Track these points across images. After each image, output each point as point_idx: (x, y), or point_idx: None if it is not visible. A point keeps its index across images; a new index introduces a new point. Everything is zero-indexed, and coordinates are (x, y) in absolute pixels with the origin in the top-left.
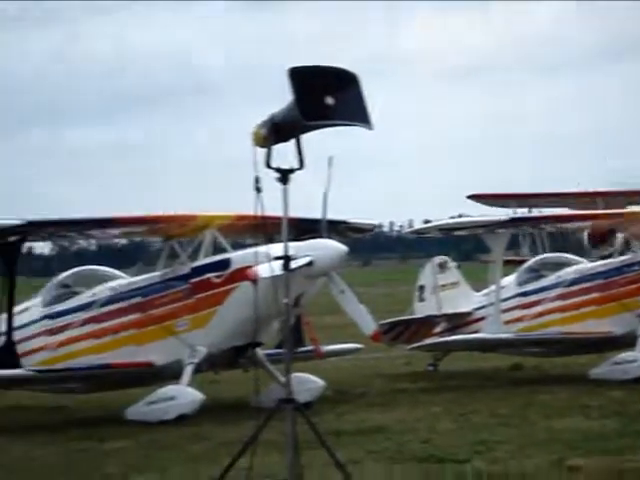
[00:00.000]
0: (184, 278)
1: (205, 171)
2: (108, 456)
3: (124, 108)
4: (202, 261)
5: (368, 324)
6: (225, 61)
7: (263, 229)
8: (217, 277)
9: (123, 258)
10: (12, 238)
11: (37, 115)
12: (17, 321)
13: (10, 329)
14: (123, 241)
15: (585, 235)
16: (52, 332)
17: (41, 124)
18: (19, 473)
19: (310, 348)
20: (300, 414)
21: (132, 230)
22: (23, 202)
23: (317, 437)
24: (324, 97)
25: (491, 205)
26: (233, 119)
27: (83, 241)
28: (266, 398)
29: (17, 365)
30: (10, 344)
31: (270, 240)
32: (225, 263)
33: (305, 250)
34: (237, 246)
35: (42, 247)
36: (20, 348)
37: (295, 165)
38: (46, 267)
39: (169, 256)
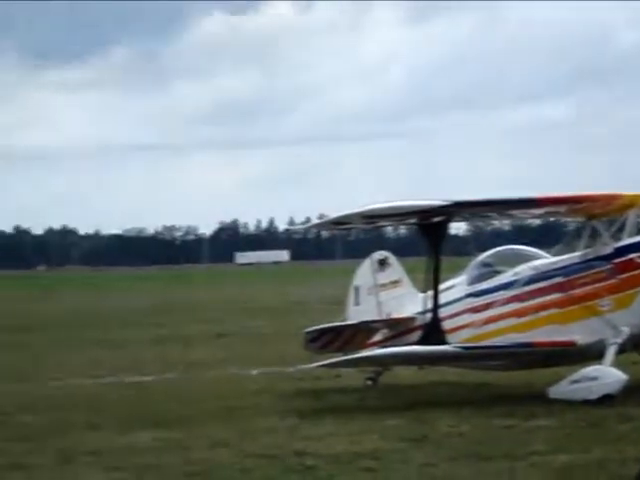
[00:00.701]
0: (606, 258)
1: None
2: (532, 434)
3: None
4: (626, 241)
5: None
6: None
7: None
8: None
9: (536, 237)
10: (437, 219)
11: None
12: (442, 299)
13: (436, 307)
14: (537, 221)
15: None
16: (476, 310)
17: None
18: (446, 447)
19: None
20: None
21: (555, 210)
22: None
23: None
24: None
25: None
26: None
27: (497, 221)
28: None
29: (443, 342)
30: (436, 321)
31: None
32: None
33: None
34: None
35: (457, 227)
36: (445, 325)
37: None
38: (461, 247)
39: (590, 236)
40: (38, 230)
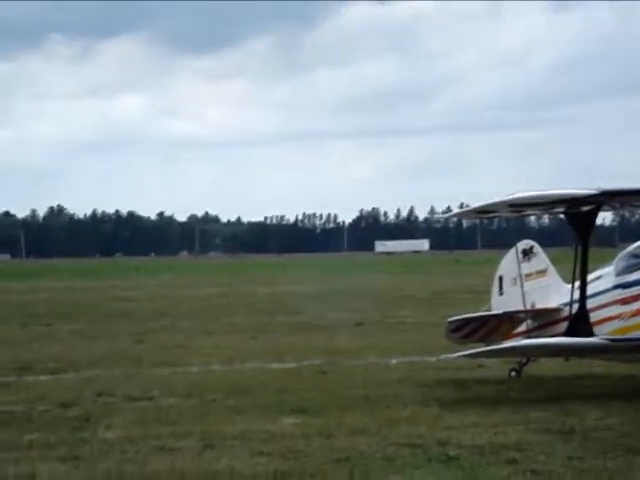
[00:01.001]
0: None
1: None
2: None
3: None
4: None
5: None
6: None
7: None
8: None
9: None
10: (585, 208)
11: None
12: (589, 290)
13: (584, 298)
14: None
15: None
16: (625, 302)
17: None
18: (594, 440)
19: None
20: None
21: None
22: None
23: None
24: None
25: None
26: None
27: None
28: None
29: (590, 333)
30: (584, 312)
31: None
32: None
33: None
34: None
35: (602, 217)
36: (592, 316)
37: None
38: (605, 237)
39: None
40: (182, 217)
